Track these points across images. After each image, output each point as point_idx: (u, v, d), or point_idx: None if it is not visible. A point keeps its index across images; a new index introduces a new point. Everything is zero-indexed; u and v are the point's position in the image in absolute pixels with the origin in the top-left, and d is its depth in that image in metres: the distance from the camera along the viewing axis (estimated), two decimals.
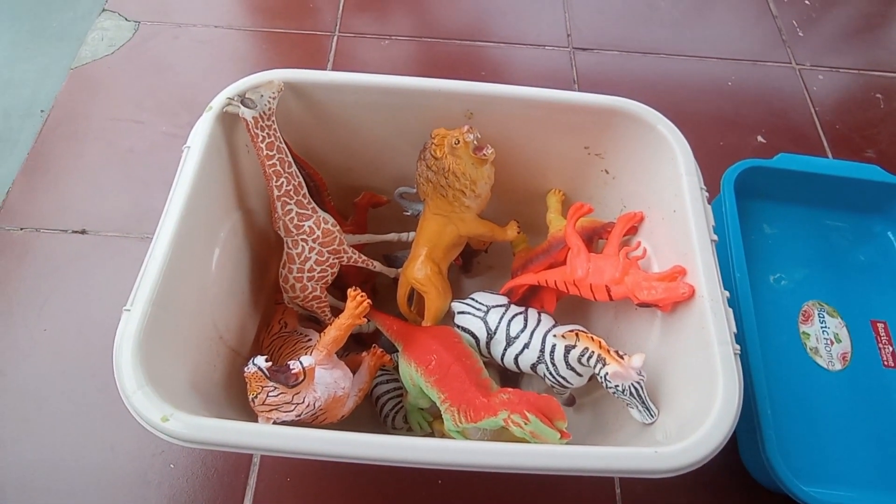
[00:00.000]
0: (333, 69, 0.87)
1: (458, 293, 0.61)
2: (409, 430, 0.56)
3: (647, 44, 0.96)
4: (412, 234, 0.61)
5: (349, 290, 0.47)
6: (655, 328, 0.48)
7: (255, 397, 0.40)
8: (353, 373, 0.52)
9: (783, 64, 0.96)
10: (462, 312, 0.56)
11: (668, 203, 0.48)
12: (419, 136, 0.54)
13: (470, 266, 0.69)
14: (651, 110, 0.50)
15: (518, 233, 0.58)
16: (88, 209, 0.72)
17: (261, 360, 0.40)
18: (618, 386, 0.45)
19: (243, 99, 0.46)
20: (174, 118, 0.80)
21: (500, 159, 0.56)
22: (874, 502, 0.60)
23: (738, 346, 0.41)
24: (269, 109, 0.47)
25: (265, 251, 0.58)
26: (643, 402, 0.45)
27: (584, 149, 0.55)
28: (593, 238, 0.56)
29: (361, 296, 0.47)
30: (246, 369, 0.40)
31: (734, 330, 0.41)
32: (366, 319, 0.48)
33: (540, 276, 0.56)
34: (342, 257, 0.54)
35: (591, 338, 0.47)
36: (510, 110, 0.52)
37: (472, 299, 0.57)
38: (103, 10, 0.89)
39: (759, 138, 0.87)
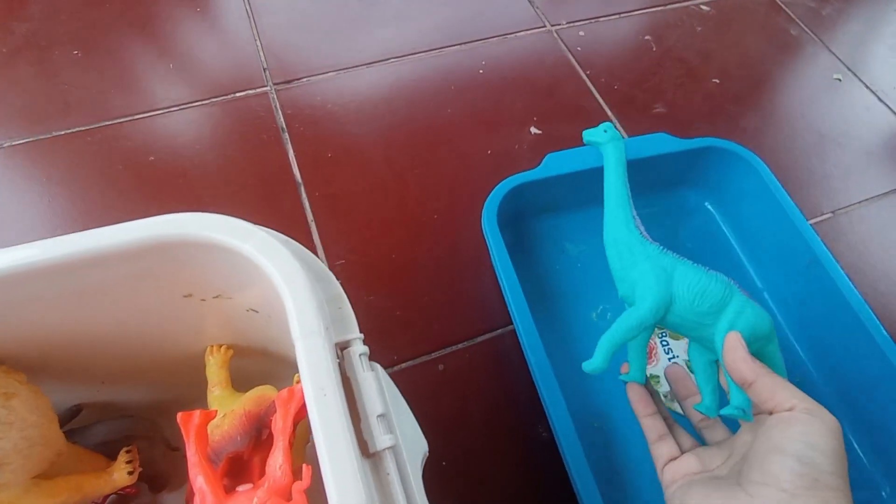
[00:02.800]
0: None
1: None
2: None
3: (369, 51, 0.74)
4: None
5: None
6: None
7: None
8: None
9: (537, 29, 0.79)
10: None
11: None
12: None
13: (160, 482, 0.43)
14: (230, 224, 0.27)
15: (131, 473, 0.33)
16: None
17: None
18: None
19: None
20: None
21: (83, 352, 0.32)
22: None
23: None
24: None
25: None
26: None
27: (186, 297, 0.31)
28: (262, 433, 0.33)
29: None
30: None
31: None
32: None
33: None
34: None
35: None
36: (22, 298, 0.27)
37: None
38: None
39: (533, 130, 0.69)
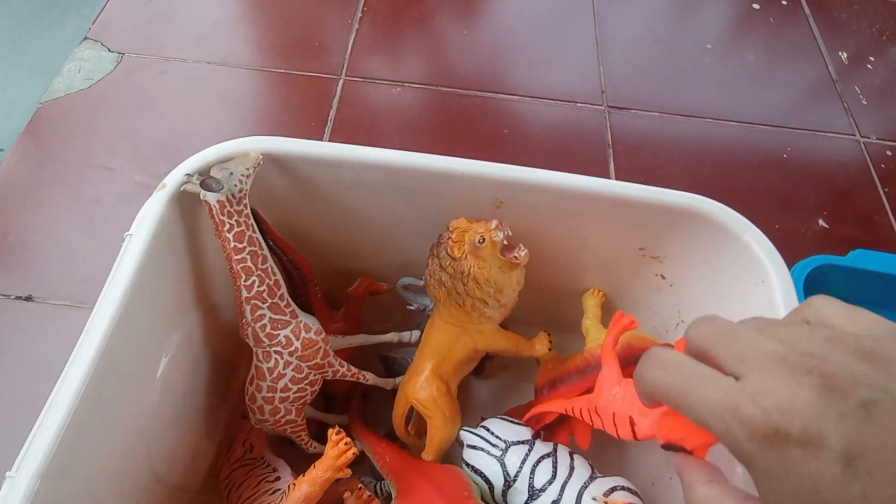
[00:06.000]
0: (336, 116, 0.77)
1: (468, 401, 0.50)
2: None
3: (689, 105, 0.85)
4: (415, 332, 0.50)
5: (329, 430, 0.36)
6: (736, 477, 0.36)
7: None
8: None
9: (846, 136, 0.85)
10: (473, 447, 0.44)
11: None
12: (432, 222, 0.43)
13: (482, 367, 0.57)
14: (735, 215, 0.39)
15: (549, 349, 0.46)
16: (39, 271, 0.61)
17: None
18: None
19: (206, 178, 0.35)
20: (151, 166, 0.69)
21: (531, 254, 0.46)
22: None
23: None
24: (241, 191, 0.36)
25: (231, 353, 0.46)
26: None
27: (640, 250, 0.44)
28: (633, 362, 0.45)
29: (346, 444, 0.35)
30: None
31: None
32: (349, 472, 0.36)
33: (569, 403, 0.44)
34: (326, 372, 0.43)
35: None
36: (547, 201, 0.41)
37: (487, 429, 0.45)
38: (84, 38, 0.80)
39: (821, 222, 0.76)
